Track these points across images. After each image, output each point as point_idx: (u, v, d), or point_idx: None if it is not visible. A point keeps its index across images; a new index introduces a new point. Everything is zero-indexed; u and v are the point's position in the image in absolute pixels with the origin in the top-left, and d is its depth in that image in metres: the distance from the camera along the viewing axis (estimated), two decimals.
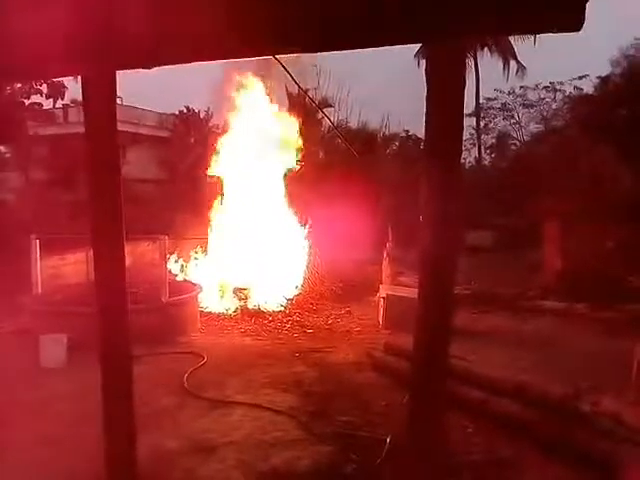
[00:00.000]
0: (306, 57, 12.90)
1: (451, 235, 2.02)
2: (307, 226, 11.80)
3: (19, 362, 6.21)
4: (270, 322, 9.28)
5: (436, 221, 1.98)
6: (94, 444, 2.61)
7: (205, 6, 1.75)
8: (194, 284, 9.50)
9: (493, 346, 7.22)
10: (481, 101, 26.54)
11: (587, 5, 1.56)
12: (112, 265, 2.31)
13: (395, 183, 15.50)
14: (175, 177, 19.27)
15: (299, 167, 12.41)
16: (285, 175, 11.99)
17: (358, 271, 11.89)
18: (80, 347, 6.15)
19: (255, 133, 11.55)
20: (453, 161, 1.98)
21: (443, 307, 2.10)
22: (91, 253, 2.41)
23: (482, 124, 27.17)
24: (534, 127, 26.44)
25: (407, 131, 24.52)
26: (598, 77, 19.29)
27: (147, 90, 17.59)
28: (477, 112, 26.31)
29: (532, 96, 26.10)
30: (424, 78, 1.92)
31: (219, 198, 11.90)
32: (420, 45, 10.68)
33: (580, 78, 23.05)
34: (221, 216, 11.66)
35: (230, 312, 9.81)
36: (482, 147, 27.04)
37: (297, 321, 9.34)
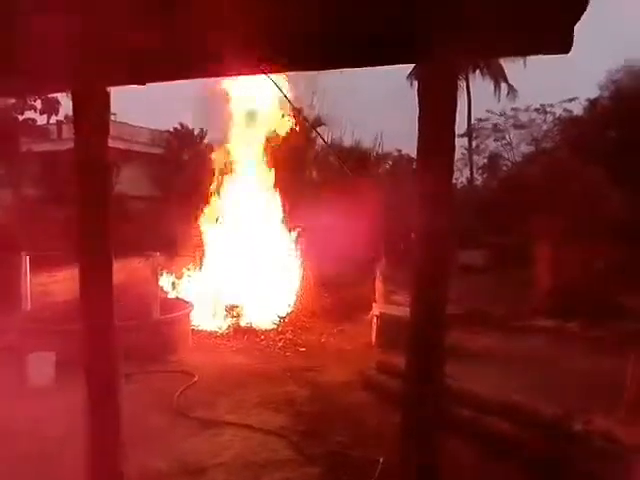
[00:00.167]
0: (300, 76, 13.06)
1: (443, 254, 2.03)
2: (300, 243, 11.80)
3: (6, 380, 6.11)
4: (262, 340, 9.21)
5: (428, 240, 1.99)
6: (84, 463, 2.56)
7: (196, 24, 1.77)
8: (186, 302, 9.43)
9: (485, 365, 7.20)
10: (473, 122, 26.94)
11: (575, 28, 1.60)
12: (99, 283, 2.28)
13: (388, 202, 15.57)
14: (168, 194, 19.25)
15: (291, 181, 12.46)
16: (278, 192, 12.03)
17: (351, 289, 11.86)
18: (69, 365, 6.05)
19: (247, 150, 11.61)
20: (444, 181, 1.99)
21: (435, 326, 2.09)
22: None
23: (474, 145, 27.52)
24: (525, 148, 26.82)
25: (400, 150, 24.77)
26: (587, 100, 19.69)
27: (140, 107, 17.68)
28: (469, 133, 26.65)
29: (523, 117, 26.50)
30: (417, 99, 1.95)
31: (212, 215, 11.90)
32: (413, 66, 10.87)
33: (570, 101, 23.49)
34: (214, 233, 11.64)
35: (222, 330, 9.74)
36: (474, 167, 27.33)
37: (289, 339, 9.28)
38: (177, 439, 4.97)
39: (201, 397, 6.10)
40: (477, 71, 24.30)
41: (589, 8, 1.49)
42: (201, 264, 11.56)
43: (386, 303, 9.88)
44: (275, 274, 10.86)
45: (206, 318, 10.05)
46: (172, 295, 10.56)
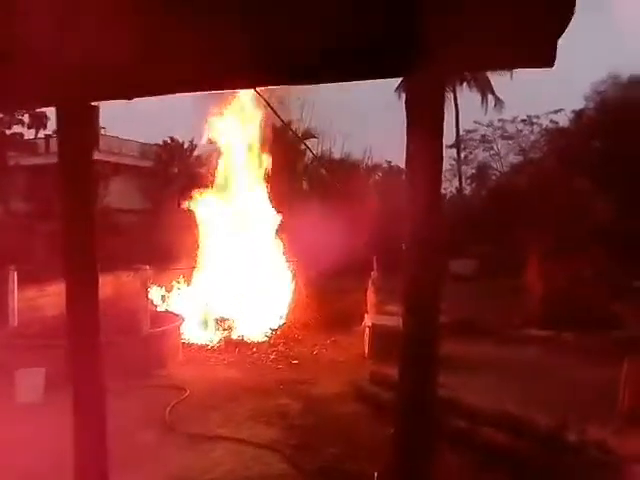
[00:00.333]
0: (289, 89, 13.16)
1: (434, 263, 2.03)
2: (291, 254, 11.78)
3: None
4: (254, 353, 9.15)
5: (418, 250, 2.00)
6: None
7: (185, 38, 1.77)
8: (176, 315, 9.36)
9: (478, 376, 7.20)
10: (461, 133, 27.26)
11: (561, 39, 1.62)
12: (85, 298, 2.25)
13: (378, 212, 15.64)
14: (158, 207, 19.20)
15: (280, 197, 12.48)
16: (268, 204, 12.04)
17: (343, 300, 11.85)
18: (58, 381, 5.97)
19: (237, 164, 11.64)
20: (434, 191, 2.01)
21: (428, 336, 2.09)
22: None
23: (462, 155, 27.81)
24: (513, 158, 27.16)
25: (389, 162, 24.97)
26: (573, 111, 20.01)
27: (130, 120, 17.68)
28: (457, 144, 26.94)
29: (510, 128, 26.90)
30: (404, 110, 1.97)
31: (202, 229, 11.86)
32: (401, 79, 10.98)
33: (556, 112, 23.86)
34: (205, 246, 11.60)
35: (213, 343, 9.66)
36: (463, 177, 27.63)
37: (282, 351, 9.22)
38: (168, 455, 4.91)
39: (192, 412, 6.03)
40: (464, 83, 24.63)
41: (573, 20, 1.51)
42: (191, 277, 11.49)
43: (378, 313, 9.88)
44: (266, 286, 10.82)
45: (197, 331, 9.97)
46: (162, 308, 10.47)
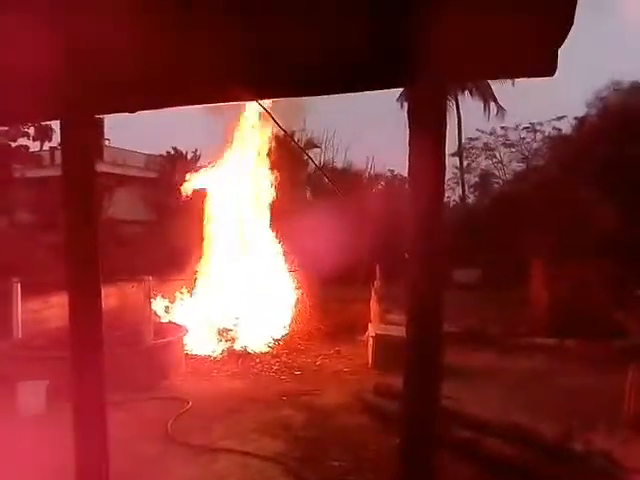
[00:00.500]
0: (292, 99, 13.21)
1: (437, 272, 2.03)
2: (294, 265, 11.78)
3: None
4: (257, 364, 9.11)
5: (421, 258, 1.99)
6: None
7: (187, 51, 1.79)
8: (179, 326, 9.34)
9: (483, 385, 7.15)
10: (463, 141, 27.32)
11: (562, 47, 1.62)
12: (87, 310, 2.25)
13: (381, 221, 15.65)
14: (162, 218, 19.25)
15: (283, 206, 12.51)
16: (271, 215, 12.06)
17: (346, 310, 11.81)
18: (61, 393, 5.96)
19: (241, 175, 11.67)
20: (436, 199, 2.00)
21: (432, 345, 2.08)
22: None
23: (465, 163, 27.85)
24: (516, 166, 27.17)
25: (392, 170, 25.01)
26: (575, 118, 20.03)
27: (135, 131, 17.79)
28: (460, 152, 26.99)
29: (513, 136, 26.94)
30: (406, 119, 1.97)
31: (206, 238, 11.88)
32: (402, 89, 11.02)
33: (559, 119, 23.89)
34: (208, 257, 11.61)
35: (216, 354, 9.63)
36: (466, 186, 27.61)
37: (285, 362, 9.18)
38: (171, 467, 4.87)
39: (195, 423, 5.99)
40: (466, 91, 24.72)
41: (575, 27, 1.51)
42: (195, 287, 11.49)
43: (382, 323, 9.84)
44: (269, 297, 10.80)
45: (200, 342, 9.95)
46: (166, 319, 10.46)
